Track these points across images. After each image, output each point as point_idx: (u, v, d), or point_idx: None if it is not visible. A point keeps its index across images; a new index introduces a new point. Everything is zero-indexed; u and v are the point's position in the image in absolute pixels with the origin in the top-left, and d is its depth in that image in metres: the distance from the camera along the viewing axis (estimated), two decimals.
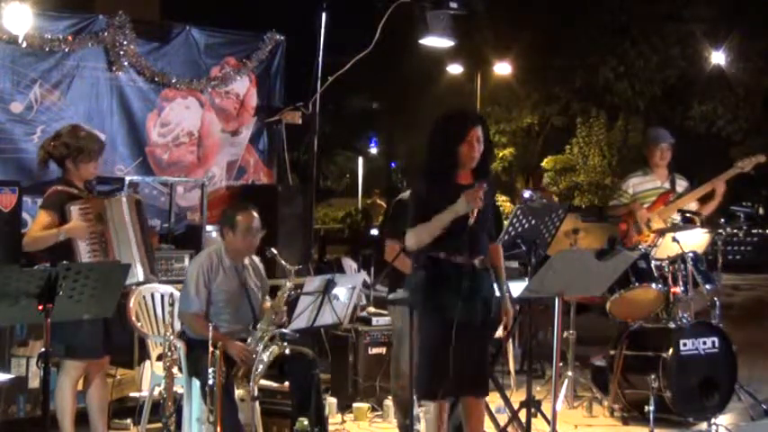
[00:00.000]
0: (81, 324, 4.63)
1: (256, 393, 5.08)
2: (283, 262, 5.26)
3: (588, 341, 7.75)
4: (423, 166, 4.70)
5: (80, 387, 5.10)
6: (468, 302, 4.40)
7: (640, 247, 6.47)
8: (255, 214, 5.25)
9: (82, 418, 5.15)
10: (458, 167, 4.52)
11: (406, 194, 5.68)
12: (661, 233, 6.49)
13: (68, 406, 4.92)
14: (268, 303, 5.35)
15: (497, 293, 4.68)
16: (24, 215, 5.86)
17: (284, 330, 5.14)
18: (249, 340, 5.10)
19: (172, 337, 4.78)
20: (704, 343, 6.18)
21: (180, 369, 4.99)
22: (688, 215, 6.69)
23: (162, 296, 5.53)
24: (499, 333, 5.10)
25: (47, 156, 5.06)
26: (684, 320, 6.22)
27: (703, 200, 6.83)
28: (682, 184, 6.90)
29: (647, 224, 6.70)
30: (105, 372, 5.23)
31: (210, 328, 4.66)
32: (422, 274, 4.55)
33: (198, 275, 5.19)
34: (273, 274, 6.00)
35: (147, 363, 5.58)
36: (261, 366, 4.98)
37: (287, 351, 5.08)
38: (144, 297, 5.48)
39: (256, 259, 5.46)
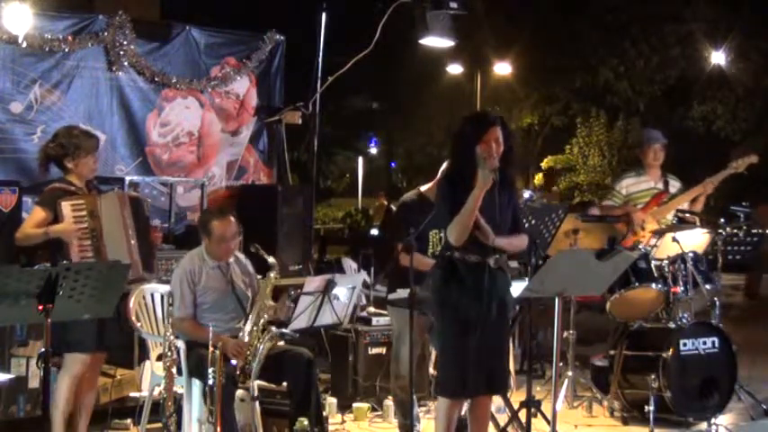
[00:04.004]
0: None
1: (256, 393, 5.09)
2: (266, 255, 5.26)
3: (588, 340, 7.75)
4: (447, 170, 4.71)
5: None
6: (483, 301, 4.41)
7: (640, 246, 6.47)
8: (232, 219, 5.25)
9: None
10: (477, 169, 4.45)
11: (408, 196, 5.68)
12: (661, 233, 6.49)
13: (61, 402, 4.91)
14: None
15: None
16: (24, 215, 5.86)
17: (284, 330, 5.15)
18: (240, 335, 5.11)
19: (172, 337, 4.78)
20: (704, 343, 6.18)
21: (179, 369, 4.99)
22: (686, 215, 6.69)
23: (162, 296, 5.53)
24: None
25: (46, 158, 5.11)
26: (684, 320, 6.22)
27: (690, 203, 6.82)
28: (675, 185, 6.89)
29: (641, 225, 6.70)
30: (98, 373, 5.24)
31: (211, 329, 4.67)
32: (438, 274, 4.57)
33: (182, 280, 5.22)
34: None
35: (147, 363, 5.58)
36: (257, 360, 5.00)
37: (281, 342, 5.11)
38: (144, 297, 5.48)
39: (242, 256, 5.46)
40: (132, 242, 5.09)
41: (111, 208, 5.08)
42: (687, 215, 6.68)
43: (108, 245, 5.01)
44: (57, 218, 4.96)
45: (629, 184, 6.86)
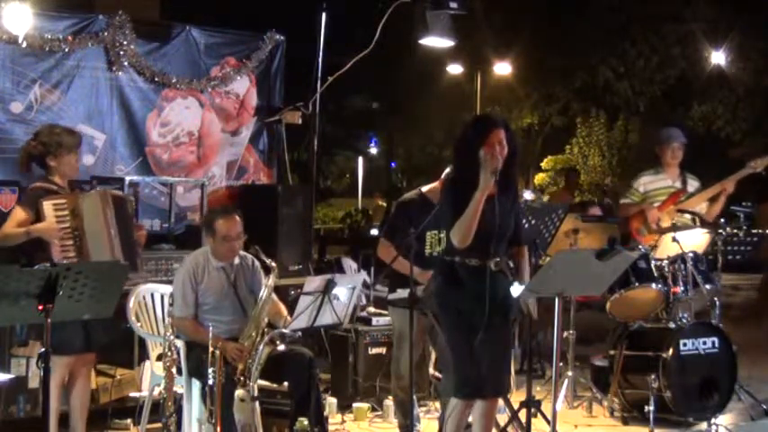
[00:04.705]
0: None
1: (256, 393, 5.08)
2: (265, 258, 5.26)
3: (588, 340, 7.75)
4: (451, 173, 4.71)
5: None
6: (484, 304, 4.39)
7: (640, 246, 6.47)
8: (237, 218, 5.24)
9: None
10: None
11: (408, 195, 5.69)
12: (661, 233, 6.49)
13: (53, 404, 4.90)
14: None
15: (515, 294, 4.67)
16: None
17: (284, 330, 5.14)
18: (240, 338, 5.11)
19: (172, 337, 4.78)
20: (704, 343, 6.18)
21: (179, 369, 4.99)
22: (687, 215, 6.69)
23: (162, 296, 5.53)
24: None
25: (28, 157, 5.11)
26: (684, 320, 6.22)
27: (710, 202, 6.82)
28: (693, 184, 6.88)
29: (657, 224, 6.70)
30: (90, 371, 5.23)
31: (210, 330, 4.67)
32: (440, 278, 4.57)
33: (184, 279, 5.22)
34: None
35: (147, 363, 5.58)
36: (256, 364, 5.00)
37: (281, 347, 5.09)
38: (144, 297, 5.48)
39: (249, 258, 5.44)
40: (115, 241, 5.08)
41: (93, 207, 5.06)
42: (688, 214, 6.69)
43: (90, 244, 5.00)
44: (38, 217, 4.94)
45: (647, 182, 6.87)
